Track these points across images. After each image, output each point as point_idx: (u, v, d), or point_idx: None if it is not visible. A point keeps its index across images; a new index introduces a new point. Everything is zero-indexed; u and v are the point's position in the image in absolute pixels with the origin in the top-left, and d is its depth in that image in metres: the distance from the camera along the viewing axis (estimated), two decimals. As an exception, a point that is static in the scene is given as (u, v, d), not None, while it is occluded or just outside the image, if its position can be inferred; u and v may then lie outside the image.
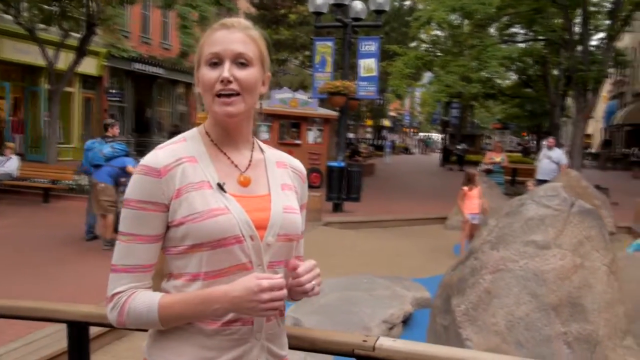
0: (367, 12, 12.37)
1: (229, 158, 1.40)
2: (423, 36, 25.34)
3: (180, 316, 1.28)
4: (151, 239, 1.32)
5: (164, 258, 1.37)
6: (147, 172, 1.31)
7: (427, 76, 29.24)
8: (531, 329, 3.30)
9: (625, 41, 29.35)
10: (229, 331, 1.30)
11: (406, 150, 51.32)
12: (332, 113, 16.25)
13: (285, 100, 16.71)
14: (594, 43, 19.41)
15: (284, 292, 1.25)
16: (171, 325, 1.30)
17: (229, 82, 1.31)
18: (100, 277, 6.66)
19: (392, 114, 59.92)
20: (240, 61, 1.33)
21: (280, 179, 1.45)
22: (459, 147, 28.28)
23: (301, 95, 17.03)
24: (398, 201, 14.21)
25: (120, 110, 24.40)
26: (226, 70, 1.31)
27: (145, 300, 1.29)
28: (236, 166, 1.39)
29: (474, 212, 8.47)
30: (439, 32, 26.59)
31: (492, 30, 21.19)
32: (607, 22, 17.75)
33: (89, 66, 19.99)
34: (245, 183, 1.38)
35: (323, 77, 12.42)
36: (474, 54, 15.84)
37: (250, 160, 1.42)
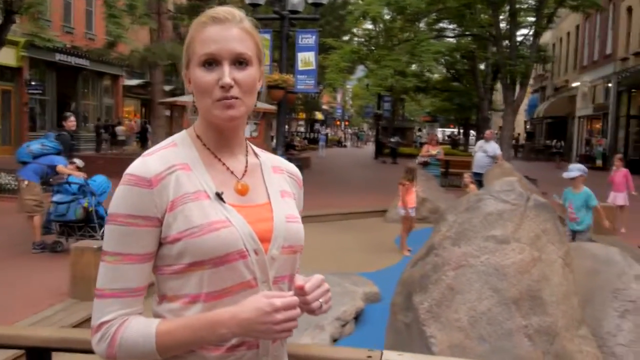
0: (304, 4, 12.26)
1: (224, 164, 1.26)
2: (355, 30, 25.53)
3: (181, 344, 1.13)
4: (142, 258, 1.16)
5: None
6: (136, 182, 1.15)
7: (359, 69, 29.54)
8: (493, 323, 3.32)
9: (545, 37, 30.80)
10: (233, 357, 1.16)
11: (339, 144, 51.73)
12: (269, 106, 16.01)
13: (220, 93, 16.33)
14: (520, 39, 20.20)
15: (298, 310, 1.13)
16: (170, 355, 1.14)
17: (230, 87, 1.18)
18: (32, 283, 6.21)
19: (324, 107, 60.25)
20: (240, 61, 1.20)
21: (278, 186, 1.33)
22: (392, 140, 28.72)
23: (237, 88, 16.70)
24: (336, 195, 14.23)
25: (42, 104, 23.15)
26: (226, 76, 1.17)
27: (140, 328, 1.13)
28: (232, 173, 1.26)
29: (413, 206, 8.60)
30: (370, 26, 26.88)
31: (421, 25, 21.63)
32: (532, 18, 18.51)
33: (6, 56, 18.81)
34: (243, 191, 1.25)
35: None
36: (408, 48, 16.07)
37: (246, 166, 1.29)
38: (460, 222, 3.59)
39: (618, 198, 10.16)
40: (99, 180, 7.59)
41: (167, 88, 24.71)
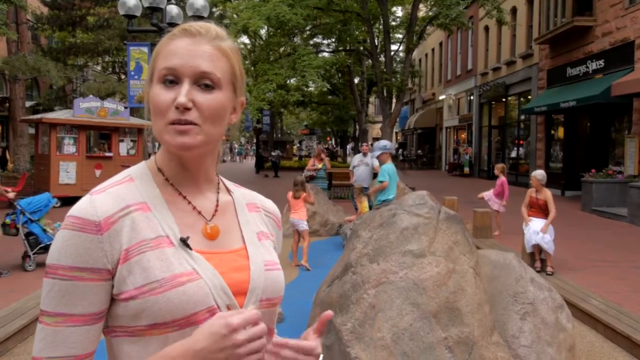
0: (184, 17, 11.89)
1: (189, 203, 1.06)
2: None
3: None
4: (89, 319, 0.95)
5: None
6: (81, 226, 0.94)
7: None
8: (415, 338, 3.31)
9: (413, 53, 32.63)
10: None
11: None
12: (146, 122, 15.32)
13: (92, 109, 15.34)
14: (393, 54, 21.17)
15: (263, 326, 0.94)
16: None
17: (186, 109, 0.98)
18: None
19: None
20: (205, 82, 1.01)
21: (254, 227, 1.15)
22: (273, 153, 28.78)
23: (111, 104, 15.76)
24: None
25: None
26: (183, 95, 0.98)
27: None
28: (199, 213, 1.07)
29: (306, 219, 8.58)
30: (247, 41, 26.80)
31: (296, 40, 21.93)
32: (400, 35, 19.52)
33: None
34: (212, 235, 1.06)
35: (139, 85, 11.60)
36: (290, 63, 16.18)
37: (217, 205, 1.10)
38: (377, 239, 3.56)
39: (492, 202, 10.86)
40: (37, 197, 7.63)
41: (29, 104, 22.74)
